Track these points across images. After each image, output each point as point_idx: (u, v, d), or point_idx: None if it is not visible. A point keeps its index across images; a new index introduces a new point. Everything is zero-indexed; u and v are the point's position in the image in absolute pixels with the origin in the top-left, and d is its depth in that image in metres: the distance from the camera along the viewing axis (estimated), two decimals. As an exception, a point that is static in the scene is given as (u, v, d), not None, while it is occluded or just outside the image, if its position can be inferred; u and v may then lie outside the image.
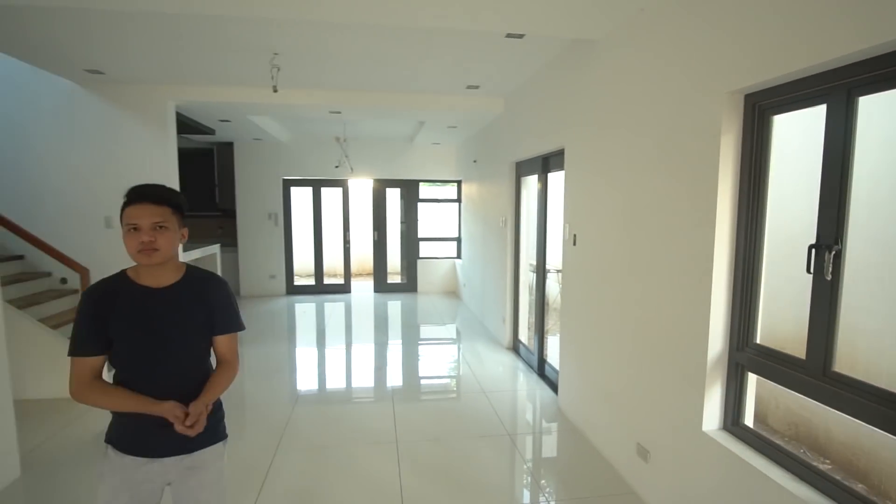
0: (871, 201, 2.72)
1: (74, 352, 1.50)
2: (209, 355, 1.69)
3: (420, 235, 8.88)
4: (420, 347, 5.79)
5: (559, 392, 3.91)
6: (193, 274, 1.66)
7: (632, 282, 2.80)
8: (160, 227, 1.50)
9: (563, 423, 3.63)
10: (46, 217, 4.87)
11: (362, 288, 9.17)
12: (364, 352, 5.48)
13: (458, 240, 8.91)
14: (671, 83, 2.41)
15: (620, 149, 2.92)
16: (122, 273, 1.60)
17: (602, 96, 3.13)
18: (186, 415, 1.50)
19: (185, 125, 5.98)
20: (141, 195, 1.53)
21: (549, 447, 3.40)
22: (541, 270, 4.59)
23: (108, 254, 4.96)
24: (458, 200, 8.86)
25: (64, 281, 4.87)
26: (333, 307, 7.73)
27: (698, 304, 2.21)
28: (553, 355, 4.77)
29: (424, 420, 3.69)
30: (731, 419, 2.16)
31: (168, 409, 1.49)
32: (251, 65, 4.16)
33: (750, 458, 1.96)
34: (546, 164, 4.43)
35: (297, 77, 4.56)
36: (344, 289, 8.79)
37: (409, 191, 8.77)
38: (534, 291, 4.90)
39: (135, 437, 1.56)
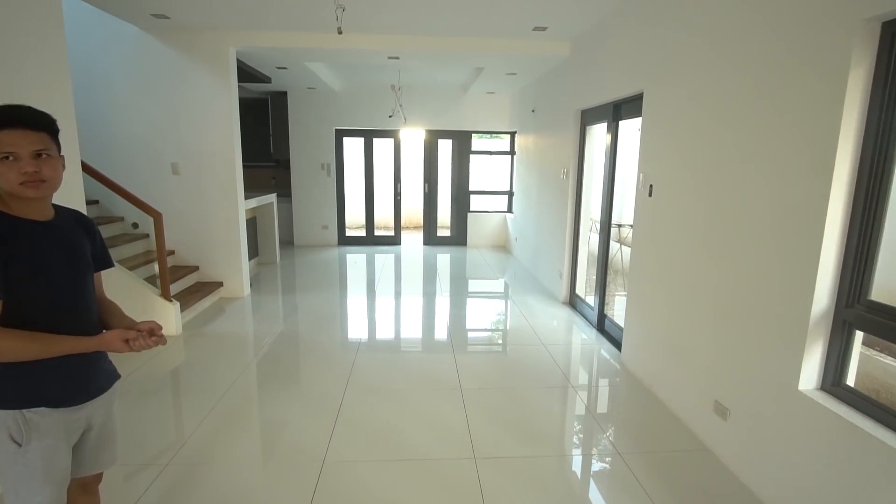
0: None
1: None
2: None
3: (471, 189, 8.75)
4: (474, 299, 5.80)
5: (623, 347, 3.83)
6: (62, 208, 1.50)
7: (717, 234, 2.64)
8: (44, 154, 1.30)
9: (628, 378, 3.58)
10: (119, 163, 5.04)
11: (412, 240, 9.21)
12: (418, 303, 5.54)
13: (510, 194, 8.74)
14: (786, 11, 2.16)
15: (710, 90, 2.69)
16: None
17: (691, 32, 2.87)
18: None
19: (243, 72, 5.97)
20: (16, 119, 1.27)
21: (615, 400, 3.36)
22: (605, 224, 4.43)
23: (176, 199, 5.13)
24: (511, 153, 8.63)
25: (135, 226, 5.08)
26: (385, 258, 7.81)
27: (803, 258, 2.05)
28: (613, 311, 4.68)
29: (486, 370, 3.71)
30: (833, 379, 2.04)
31: (113, 338, 1.39)
32: (313, 8, 4.06)
33: (855, 420, 1.85)
34: (617, 111, 4.19)
35: (357, 21, 4.42)
36: (394, 241, 8.86)
37: (461, 142, 8.59)
38: (595, 246, 4.76)
39: (72, 384, 1.43)
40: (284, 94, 8.15)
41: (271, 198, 6.94)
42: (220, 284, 5.34)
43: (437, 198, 8.79)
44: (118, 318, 1.59)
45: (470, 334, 4.51)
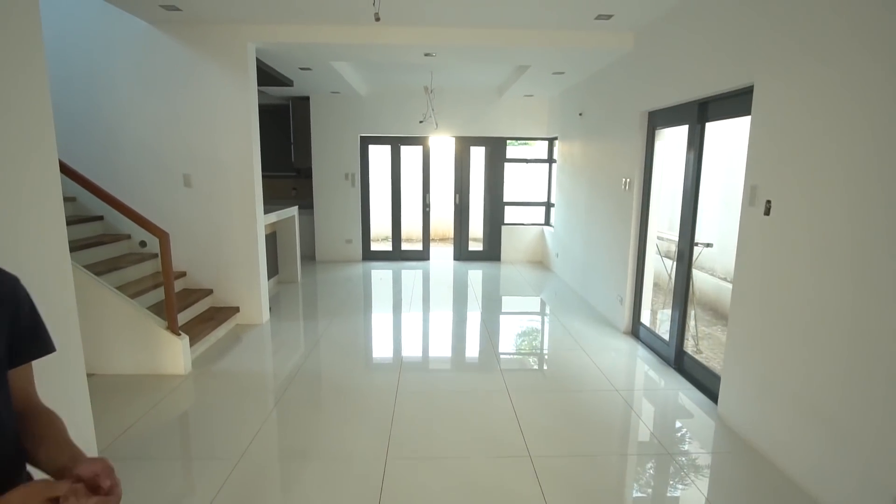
0: None
1: None
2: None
3: (506, 200, 8.10)
4: (520, 327, 5.13)
5: (722, 399, 3.12)
6: None
7: (879, 266, 1.94)
8: None
9: (734, 440, 2.86)
10: (124, 174, 4.52)
11: (441, 255, 8.58)
12: (457, 330, 4.88)
13: (548, 205, 8.06)
14: None
15: (859, 80, 2.01)
16: None
17: (831, 6, 2.19)
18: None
19: (264, 74, 5.44)
20: None
21: (728, 474, 2.65)
22: (686, 245, 3.73)
23: (188, 214, 4.58)
24: (550, 161, 7.97)
25: (143, 244, 4.53)
26: (413, 276, 7.18)
27: None
28: (712, 357, 3.96)
29: (554, 425, 3.03)
30: None
31: (28, 497, 0.75)
32: (345, -10, 3.47)
33: None
34: (703, 110, 3.51)
35: (391, 11, 3.83)
36: (422, 255, 8.23)
37: (495, 150, 7.95)
38: (669, 268, 4.06)
39: None
40: (307, 99, 7.62)
41: (292, 211, 6.38)
42: (237, 310, 4.76)
43: (469, 209, 8.15)
44: (55, 449, 0.92)
45: (524, 374, 3.83)
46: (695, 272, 5.20)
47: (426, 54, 4.78)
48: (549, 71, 5.53)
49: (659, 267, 5.44)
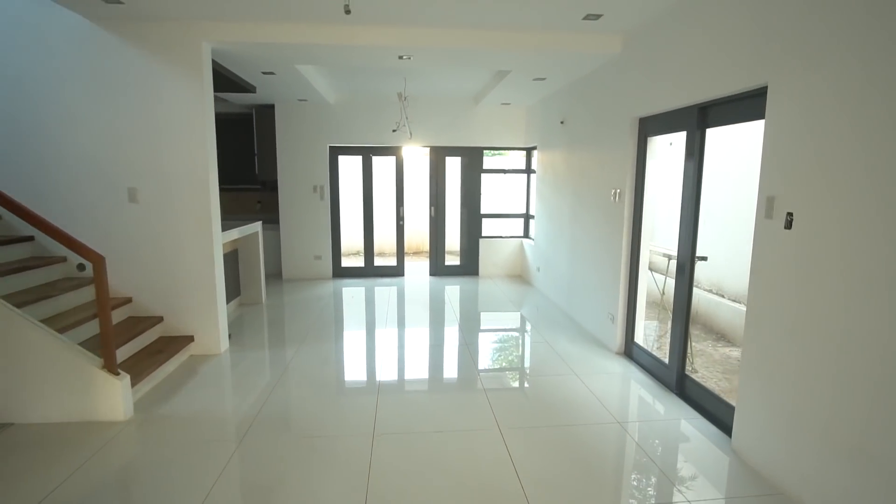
0: None
1: None
2: None
3: (483, 212, 7.78)
4: (506, 349, 4.76)
5: (737, 431, 2.82)
6: None
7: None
8: None
9: (754, 478, 2.55)
10: (63, 188, 3.99)
11: (416, 270, 8.17)
12: (439, 356, 4.48)
13: (527, 216, 7.79)
14: None
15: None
16: None
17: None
18: None
19: (223, 79, 4.99)
20: None
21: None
22: (687, 259, 3.45)
23: (135, 233, 4.08)
24: (528, 171, 7.70)
25: (81, 268, 4.00)
26: (387, 293, 6.76)
27: None
28: (711, 377, 3.68)
29: (552, 467, 2.66)
30: None
31: None
32: (310, -20, 3.09)
33: None
34: (703, 115, 3.26)
35: (364, 10, 3.47)
36: (397, 271, 7.81)
37: (472, 160, 7.64)
38: (661, 284, 3.78)
39: None
40: (271, 107, 7.16)
41: (256, 227, 5.89)
42: (191, 339, 4.24)
43: (445, 222, 7.79)
44: None
45: (515, 405, 3.45)
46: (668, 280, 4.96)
47: (401, 57, 4.42)
48: (530, 77, 5.26)
49: (649, 282, 5.19)
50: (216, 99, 6.89)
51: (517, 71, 5.00)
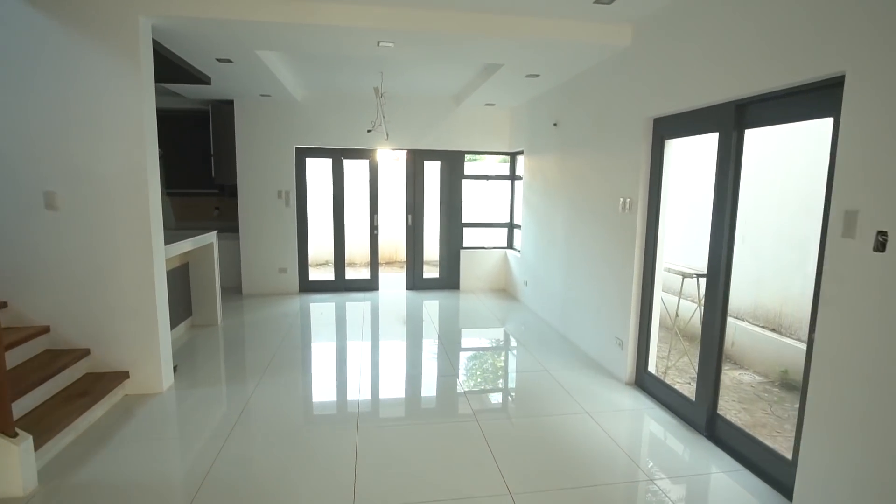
0: None
1: None
2: None
3: (465, 220, 7.22)
4: (500, 378, 4.19)
5: (798, 492, 2.32)
6: None
7: None
8: None
9: (835, 563, 2.06)
10: (-47, 192, 3.21)
11: (392, 284, 7.53)
12: (425, 390, 3.88)
13: (511, 226, 7.27)
14: None
15: None
16: None
17: None
18: None
19: (171, 68, 4.28)
20: None
21: None
22: (719, 278, 2.97)
23: (50, 247, 3.33)
24: (512, 177, 7.20)
25: (-18, 290, 3.21)
26: (360, 310, 6.10)
27: None
28: (727, 407, 3.19)
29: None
30: None
31: None
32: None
33: None
34: (741, 114, 2.79)
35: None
36: (370, 285, 7.15)
37: (452, 165, 7.08)
38: (676, 305, 3.30)
39: None
40: (230, 103, 6.42)
41: (211, 237, 5.15)
42: (125, 376, 3.50)
43: (423, 232, 7.20)
44: None
45: (528, 462, 2.87)
46: (681, 301, 4.52)
47: (380, 43, 3.83)
48: (523, 73, 4.74)
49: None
50: (167, 93, 6.12)
51: (510, 66, 4.48)
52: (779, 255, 4.50)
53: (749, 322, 4.74)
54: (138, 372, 3.54)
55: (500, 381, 4.14)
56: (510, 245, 7.31)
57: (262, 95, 6.10)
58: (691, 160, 5.24)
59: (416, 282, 7.23)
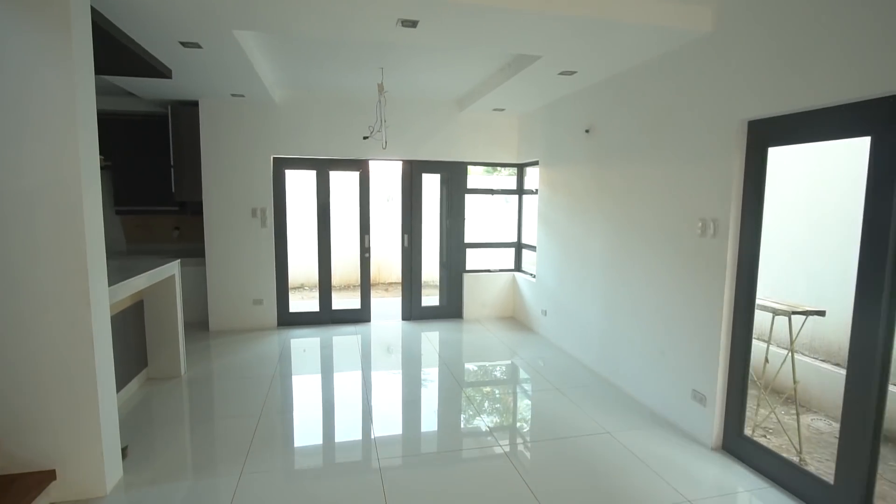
0: None
1: None
2: None
3: (468, 240, 6.39)
4: (546, 438, 3.33)
5: None
6: None
7: None
8: None
9: None
10: None
11: (386, 313, 6.60)
12: (452, 458, 3.00)
13: (518, 245, 6.49)
14: None
15: None
16: None
17: None
18: None
19: (122, 56, 3.31)
20: None
21: None
22: (879, 323, 2.24)
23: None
24: (520, 192, 6.44)
25: None
26: (350, 347, 5.16)
27: None
28: (823, 469, 2.45)
29: None
30: None
31: None
32: None
33: None
34: (913, 109, 2.09)
35: None
36: (361, 316, 6.20)
37: (454, 177, 6.26)
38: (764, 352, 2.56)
39: None
40: (194, 104, 5.42)
41: (172, 268, 4.12)
42: (51, 476, 2.47)
43: (422, 254, 6.32)
44: None
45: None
46: (796, 357, 3.79)
47: (404, 22, 2.98)
48: (559, 68, 3.98)
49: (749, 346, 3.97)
50: (118, 92, 5.05)
51: (548, 59, 3.71)
52: None
53: (830, 363, 4.06)
54: (70, 468, 2.52)
55: (552, 445, 3.27)
56: (518, 267, 6.52)
57: (234, 95, 5.13)
58: (782, 171, 4.37)
59: (413, 311, 6.32)
